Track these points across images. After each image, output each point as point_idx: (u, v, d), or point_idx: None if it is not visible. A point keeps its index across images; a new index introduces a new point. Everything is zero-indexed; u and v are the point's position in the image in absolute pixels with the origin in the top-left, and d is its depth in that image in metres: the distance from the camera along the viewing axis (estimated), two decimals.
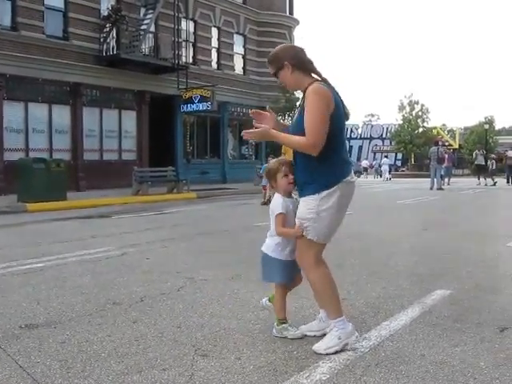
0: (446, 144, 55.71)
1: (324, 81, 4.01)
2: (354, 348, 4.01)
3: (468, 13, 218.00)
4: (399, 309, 5.12)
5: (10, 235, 10.88)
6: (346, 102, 4.09)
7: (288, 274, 4.31)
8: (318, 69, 4.11)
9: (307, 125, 3.82)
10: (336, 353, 3.90)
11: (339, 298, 4.14)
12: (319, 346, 3.98)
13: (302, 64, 4.05)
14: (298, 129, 3.92)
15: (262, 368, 3.71)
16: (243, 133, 4.16)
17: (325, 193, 3.89)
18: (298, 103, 34.80)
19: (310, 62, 4.10)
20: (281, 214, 4.19)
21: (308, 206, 3.95)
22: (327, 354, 3.88)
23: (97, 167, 24.30)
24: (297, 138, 3.90)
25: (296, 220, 4.04)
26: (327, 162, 3.89)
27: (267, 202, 17.55)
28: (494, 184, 31.23)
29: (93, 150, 24.78)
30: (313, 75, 4.06)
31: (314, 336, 4.26)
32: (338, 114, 3.92)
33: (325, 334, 4.15)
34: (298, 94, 34.51)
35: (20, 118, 21.97)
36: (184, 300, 5.47)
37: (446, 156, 30.48)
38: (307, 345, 4.12)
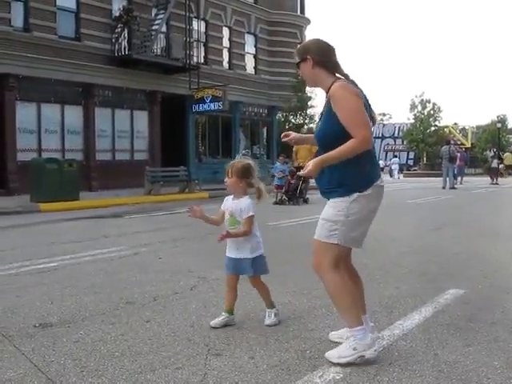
0: (458, 143, 55.48)
1: (352, 82, 3.84)
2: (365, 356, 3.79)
3: (481, 11, 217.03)
4: (412, 308, 5.11)
5: (23, 235, 10.93)
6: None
7: None
8: (346, 71, 3.93)
9: (348, 121, 3.64)
10: (348, 364, 3.70)
11: (357, 306, 3.90)
12: (332, 354, 3.80)
13: (326, 62, 3.87)
14: (326, 132, 3.79)
15: (275, 367, 3.71)
16: (302, 174, 3.92)
17: (356, 195, 3.73)
18: (309, 102, 34.89)
19: (337, 64, 3.92)
20: (253, 215, 4.51)
21: (337, 208, 3.77)
22: (338, 364, 3.71)
23: (109, 167, 24.37)
24: (346, 146, 3.63)
25: (320, 221, 3.87)
26: (359, 163, 3.71)
27: (279, 202, 17.57)
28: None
29: (105, 150, 24.86)
30: (338, 75, 3.89)
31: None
32: (368, 114, 3.75)
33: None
34: (310, 93, 34.60)
35: (33, 118, 22.06)
36: (197, 299, 5.49)
37: (458, 155, 30.35)
38: (320, 344, 4.12)
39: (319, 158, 3.74)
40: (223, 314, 4.62)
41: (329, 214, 3.81)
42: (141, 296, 5.65)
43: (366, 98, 3.84)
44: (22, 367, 3.75)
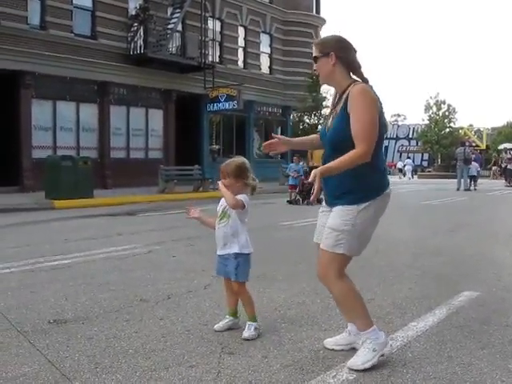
0: (474, 145, 55.17)
1: (370, 87, 3.71)
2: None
3: (498, 12, 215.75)
4: (426, 310, 5.10)
5: (38, 232, 10.99)
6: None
7: None
8: (365, 75, 3.81)
9: (358, 130, 3.53)
10: (373, 367, 3.65)
11: (366, 308, 3.85)
12: (355, 362, 3.67)
13: (348, 62, 3.75)
14: (339, 133, 3.65)
15: (288, 367, 3.71)
16: (313, 200, 3.78)
17: (364, 205, 3.64)
18: (323, 102, 34.79)
19: (358, 65, 3.81)
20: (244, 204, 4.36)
21: (344, 216, 3.66)
22: (365, 370, 3.62)
23: (123, 165, 24.46)
24: (348, 157, 3.54)
25: (326, 229, 3.75)
26: (370, 171, 3.63)
27: (293, 202, 17.57)
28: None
29: (120, 148, 24.97)
30: (354, 77, 3.78)
31: (342, 350, 4.02)
32: (381, 121, 3.66)
33: (353, 349, 3.95)
34: (325, 93, 34.51)
35: (48, 116, 22.21)
36: (210, 298, 5.50)
37: (473, 157, 30.16)
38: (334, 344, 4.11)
39: (323, 167, 3.62)
40: (227, 317, 4.57)
41: (336, 223, 3.70)
42: (154, 294, 5.67)
43: (381, 104, 3.71)
44: (37, 363, 3.77)
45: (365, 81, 3.76)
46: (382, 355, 3.75)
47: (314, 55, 3.85)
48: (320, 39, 4.00)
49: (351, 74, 3.80)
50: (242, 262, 4.43)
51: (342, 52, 3.74)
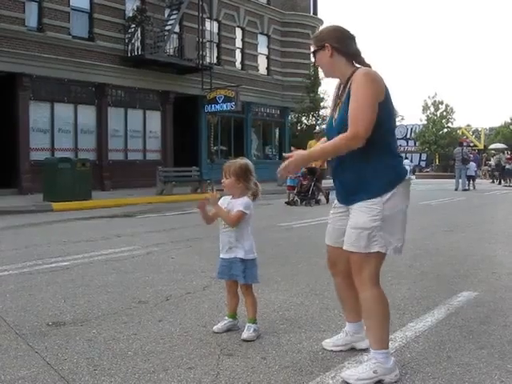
0: (471, 145, 55.21)
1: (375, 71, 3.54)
2: None
3: (495, 12, 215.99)
4: (425, 310, 5.10)
5: (36, 234, 10.97)
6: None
7: None
8: (367, 61, 3.67)
9: (352, 111, 3.38)
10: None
11: (388, 327, 3.63)
12: (350, 375, 3.49)
13: (346, 50, 3.61)
14: (346, 121, 3.44)
15: (287, 368, 3.71)
16: (279, 174, 3.66)
17: (390, 193, 3.43)
18: (321, 103, 34.75)
19: (358, 52, 3.67)
20: (245, 213, 4.33)
21: (371, 212, 3.44)
22: None
23: (121, 167, 24.44)
24: (336, 141, 3.43)
25: (352, 230, 3.51)
26: (386, 157, 3.49)
27: (291, 203, 17.56)
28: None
29: (118, 150, 24.94)
30: (357, 65, 3.63)
31: (341, 351, 3.96)
32: (388, 103, 3.50)
33: (352, 349, 3.94)
34: (323, 93, 34.51)
35: (46, 118, 22.17)
36: (209, 299, 5.50)
37: (472, 157, 30.18)
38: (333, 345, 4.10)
39: (304, 152, 3.59)
40: (225, 318, 4.56)
41: (363, 221, 3.46)
42: (153, 295, 5.66)
43: (387, 89, 3.53)
44: (35, 365, 3.76)
45: (367, 66, 3.63)
46: (382, 381, 3.48)
47: (311, 50, 3.77)
48: (315, 33, 3.88)
49: (355, 62, 3.66)
50: (250, 265, 4.42)
51: (338, 41, 3.61)
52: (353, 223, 3.52)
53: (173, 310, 5.13)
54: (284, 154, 3.74)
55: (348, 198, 3.61)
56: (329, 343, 4.07)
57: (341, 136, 3.41)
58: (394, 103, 3.62)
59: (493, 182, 34.90)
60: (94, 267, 7.22)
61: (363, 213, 3.47)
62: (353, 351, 3.92)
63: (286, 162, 3.55)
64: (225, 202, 4.51)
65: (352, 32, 3.70)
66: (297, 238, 10.11)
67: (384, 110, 3.45)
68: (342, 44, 3.62)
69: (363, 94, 3.39)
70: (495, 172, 37.07)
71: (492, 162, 37.10)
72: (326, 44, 3.61)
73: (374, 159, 3.46)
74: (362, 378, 3.46)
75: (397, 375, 3.52)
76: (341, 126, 3.50)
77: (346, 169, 3.56)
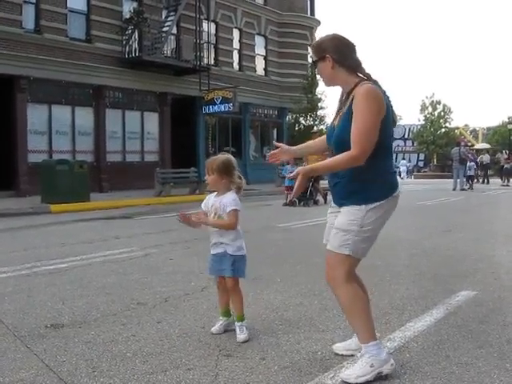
0: (469, 144, 55.26)
1: (375, 82, 3.58)
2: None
3: (492, 12, 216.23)
4: (423, 310, 5.10)
5: (34, 236, 10.96)
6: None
7: None
8: (367, 70, 3.67)
9: (355, 132, 3.41)
10: (368, 382, 3.51)
11: (371, 319, 3.67)
12: (349, 375, 3.52)
13: (347, 61, 3.60)
14: (345, 132, 3.48)
15: (286, 368, 3.71)
16: (292, 199, 3.80)
17: (373, 205, 3.51)
18: (319, 104, 34.75)
19: (358, 62, 3.65)
20: (238, 210, 4.35)
21: (351, 216, 3.53)
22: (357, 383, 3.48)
23: (119, 168, 24.43)
24: (339, 158, 3.47)
25: (333, 229, 3.64)
26: (379, 171, 3.55)
27: (289, 204, 17.56)
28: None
29: (115, 152, 24.92)
30: (360, 75, 3.63)
31: (352, 355, 3.87)
32: (388, 120, 3.52)
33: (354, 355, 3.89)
34: (320, 94, 34.53)
35: (43, 120, 22.14)
36: (208, 300, 5.50)
37: (470, 156, 30.22)
38: (331, 345, 4.10)
39: (309, 166, 3.67)
40: (220, 318, 4.56)
41: (342, 222, 3.58)
42: (152, 297, 5.66)
43: (388, 99, 3.58)
44: (34, 367, 3.76)
45: (368, 76, 3.62)
46: (381, 373, 3.53)
47: (313, 59, 3.76)
48: (316, 42, 3.82)
49: (357, 72, 3.65)
50: (239, 259, 4.43)
51: (339, 53, 3.60)
52: (336, 223, 3.64)
53: (171, 312, 5.13)
54: (267, 153, 3.97)
55: (339, 200, 3.70)
56: (339, 347, 4.03)
57: (345, 154, 3.44)
58: (395, 113, 3.66)
59: (477, 181, 34.93)
60: (93, 269, 7.21)
61: (345, 215, 3.59)
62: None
63: (297, 185, 3.64)
64: (210, 200, 4.52)
65: (352, 41, 3.69)
66: (295, 238, 10.12)
67: (384, 128, 3.49)
68: (343, 55, 3.61)
69: (367, 113, 3.40)
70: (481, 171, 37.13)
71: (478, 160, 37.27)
72: (327, 55, 3.60)
73: (367, 172, 3.49)
74: (361, 375, 3.49)
75: (392, 364, 3.59)
76: (338, 138, 3.59)
77: (342, 175, 3.59)
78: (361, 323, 3.63)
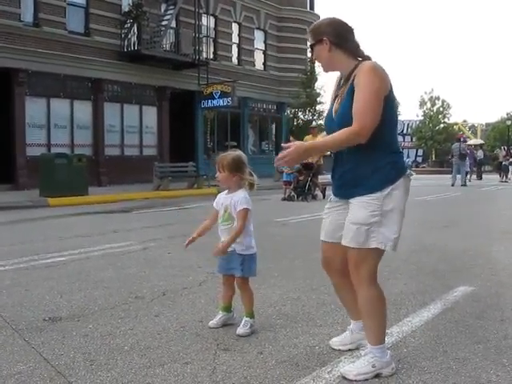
0: (468, 140, 55.29)
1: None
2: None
3: (492, 7, 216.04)
4: (421, 305, 5.10)
5: (33, 229, 10.97)
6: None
7: None
8: (367, 53, 3.56)
9: (357, 106, 3.29)
10: (366, 380, 3.46)
11: (386, 323, 3.62)
12: (349, 371, 3.48)
13: (345, 43, 3.50)
14: (349, 115, 3.35)
15: (283, 363, 3.71)
16: (276, 162, 3.50)
17: (389, 188, 3.36)
18: (318, 98, 34.70)
19: (357, 44, 3.55)
20: (249, 209, 4.32)
21: (370, 207, 3.36)
22: (356, 381, 3.44)
23: (118, 162, 24.42)
24: (339, 134, 3.33)
25: (351, 225, 3.44)
26: (388, 150, 3.43)
27: (288, 198, 17.56)
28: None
29: (114, 146, 24.92)
30: (359, 59, 3.52)
31: (349, 350, 3.89)
32: (392, 97, 3.43)
33: (354, 349, 3.89)
34: (319, 89, 34.49)
35: (42, 113, 22.13)
36: (206, 294, 5.50)
37: (469, 152, 30.24)
38: (329, 340, 4.09)
39: (304, 144, 3.45)
40: (220, 312, 4.55)
41: (362, 216, 3.38)
42: (150, 291, 5.66)
43: (390, 83, 3.45)
44: (32, 360, 3.76)
45: (368, 58, 3.53)
46: (380, 374, 3.50)
47: (309, 44, 3.67)
48: (313, 25, 3.69)
49: (355, 55, 3.55)
50: (248, 259, 4.40)
51: (336, 35, 3.51)
52: (352, 218, 3.44)
53: (169, 305, 5.13)
54: (283, 144, 3.58)
55: (347, 190, 3.50)
56: (336, 342, 4.00)
57: (345, 130, 3.31)
58: (396, 96, 3.55)
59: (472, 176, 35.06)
60: (91, 263, 7.21)
61: (363, 208, 3.39)
62: (355, 351, 3.89)
63: (285, 152, 3.40)
64: (221, 198, 4.50)
65: (350, 24, 3.60)
66: (294, 233, 10.12)
67: (387, 105, 3.38)
68: (341, 37, 3.51)
69: (371, 88, 3.30)
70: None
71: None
72: (324, 38, 3.51)
73: (374, 154, 3.38)
74: (361, 373, 3.46)
75: (393, 368, 3.55)
76: (342, 120, 3.41)
77: (346, 162, 3.48)
78: (376, 325, 3.55)
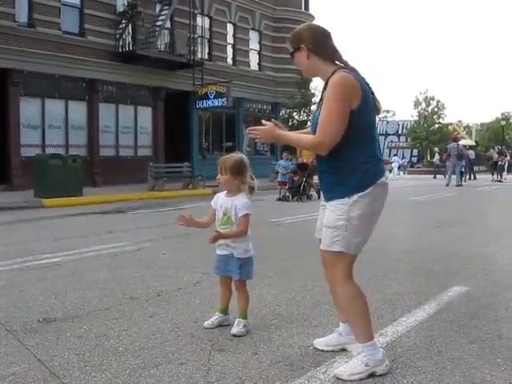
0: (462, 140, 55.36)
1: (352, 70, 3.50)
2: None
3: (486, 8, 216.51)
4: (416, 305, 5.11)
5: (27, 230, 10.95)
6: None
7: None
8: (344, 57, 3.61)
9: (320, 121, 3.41)
10: (361, 380, 3.46)
11: (369, 319, 3.62)
12: (343, 371, 3.49)
13: (323, 49, 3.57)
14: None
15: (278, 363, 3.71)
16: (248, 130, 3.74)
17: (356, 196, 3.42)
18: (312, 99, 34.76)
19: (334, 49, 3.60)
20: (249, 215, 4.33)
21: (337, 211, 3.46)
22: (351, 381, 3.44)
23: (113, 163, 24.39)
24: (303, 138, 3.60)
25: (323, 228, 3.57)
26: (357, 161, 3.45)
27: (283, 199, 17.57)
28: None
29: (109, 146, 24.89)
30: (337, 63, 3.57)
31: (332, 351, 3.90)
32: (365, 107, 3.43)
33: (343, 350, 3.89)
34: (314, 89, 34.52)
35: (36, 114, 22.08)
36: (201, 295, 5.50)
37: (465, 153, 30.32)
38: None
39: (276, 130, 3.67)
40: (216, 313, 4.54)
41: (330, 219, 3.51)
42: (144, 291, 5.65)
43: (368, 86, 3.53)
44: (26, 361, 3.75)
45: (345, 64, 3.56)
46: (375, 373, 3.50)
47: (290, 51, 3.74)
48: (292, 33, 3.77)
49: (334, 60, 3.60)
50: (245, 262, 4.40)
51: (313, 42, 3.58)
52: (325, 221, 3.60)
53: (164, 306, 5.13)
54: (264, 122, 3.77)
55: (325, 194, 3.68)
56: (320, 342, 4.01)
57: (309, 138, 3.53)
58: (378, 101, 3.60)
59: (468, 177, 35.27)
60: (85, 263, 7.20)
61: (331, 211, 3.52)
62: (344, 352, 3.89)
63: (260, 127, 3.67)
64: (219, 199, 4.48)
65: (327, 29, 3.67)
66: (288, 233, 10.13)
67: (359, 116, 3.41)
68: (318, 44, 3.59)
69: (334, 104, 3.38)
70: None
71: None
72: (302, 45, 3.60)
73: (347, 161, 3.46)
74: (355, 373, 3.47)
75: (387, 365, 3.56)
76: (315, 128, 3.53)
77: (323, 168, 3.60)
78: (359, 322, 3.59)
